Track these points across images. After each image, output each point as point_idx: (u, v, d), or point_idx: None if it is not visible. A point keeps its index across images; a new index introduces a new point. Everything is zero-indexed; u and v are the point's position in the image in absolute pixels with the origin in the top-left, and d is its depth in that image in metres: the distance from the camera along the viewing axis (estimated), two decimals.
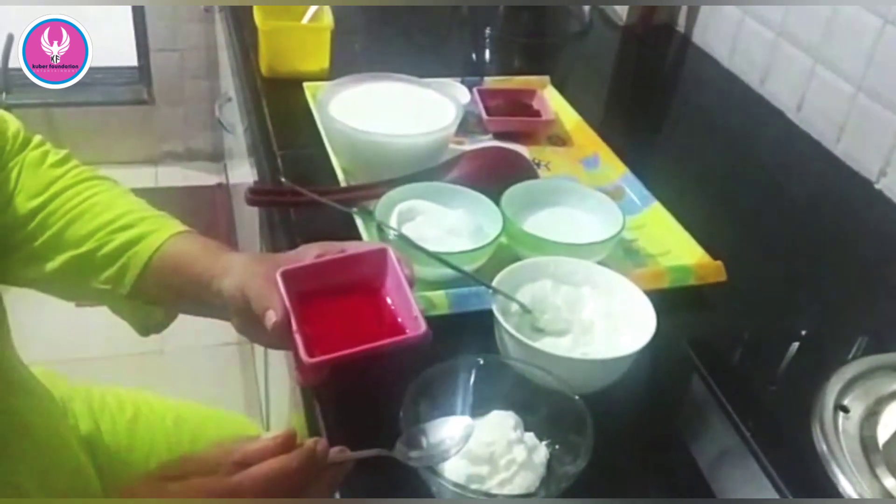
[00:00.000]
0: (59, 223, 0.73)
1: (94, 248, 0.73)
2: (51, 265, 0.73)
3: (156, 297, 0.75)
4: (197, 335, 1.97)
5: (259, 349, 1.66)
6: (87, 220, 0.74)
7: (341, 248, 0.68)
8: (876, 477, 0.59)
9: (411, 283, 0.66)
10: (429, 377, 0.63)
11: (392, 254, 0.67)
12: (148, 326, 0.78)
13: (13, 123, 0.77)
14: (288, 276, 0.63)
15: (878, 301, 0.91)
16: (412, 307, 0.64)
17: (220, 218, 2.43)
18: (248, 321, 0.67)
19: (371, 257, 0.67)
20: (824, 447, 0.59)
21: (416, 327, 0.62)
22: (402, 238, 0.78)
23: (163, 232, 0.73)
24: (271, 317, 0.62)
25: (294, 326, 0.61)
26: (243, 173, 1.57)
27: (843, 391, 0.64)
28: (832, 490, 0.58)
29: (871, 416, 0.63)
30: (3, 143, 0.75)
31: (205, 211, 2.49)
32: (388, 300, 0.67)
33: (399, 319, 0.66)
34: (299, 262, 0.66)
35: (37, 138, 0.79)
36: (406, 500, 0.63)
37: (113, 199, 0.76)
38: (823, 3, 1.15)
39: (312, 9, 1.18)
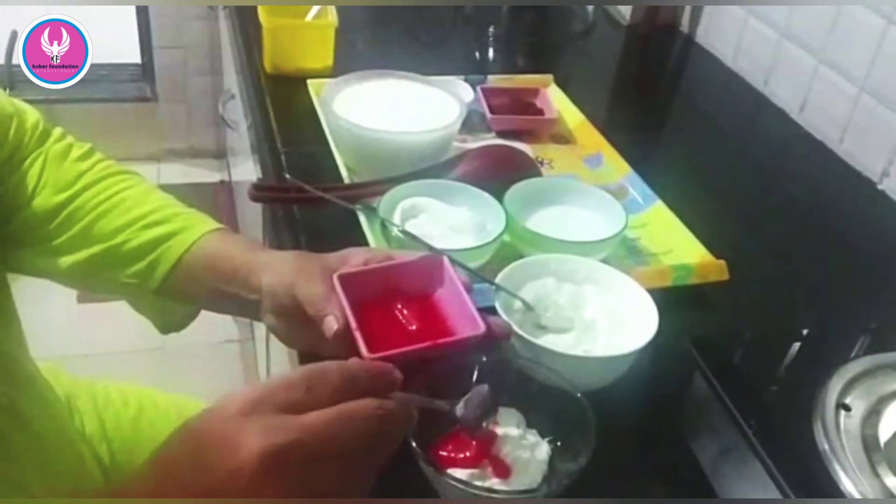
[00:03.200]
0: (87, 217, 0.73)
1: (124, 242, 0.72)
2: (76, 258, 0.73)
3: (184, 293, 0.74)
4: (199, 332, 1.97)
5: (261, 347, 1.66)
6: (116, 214, 0.73)
7: (388, 255, 0.66)
8: (877, 476, 0.59)
9: (469, 288, 0.65)
10: (432, 374, 0.63)
11: (447, 261, 0.66)
12: (169, 324, 0.78)
13: (32, 114, 0.76)
14: (345, 281, 0.62)
15: (879, 300, 0.91)
16: (470, 310, 0.63)
17: (222, 215, 2.43)
18: (288, 320, 0.65)
19: (426, 264, 0.66)
20: (826, 446, 0.60)
21: (476, 327, 0.61)
22: (406, 235, 0.79)
23: (197, 228, 0.73)
24: (332, 322, 0.60)
25: (354, 325, 0.59)
26: (246, 170, 1.57)
27: (845, 390, 0.64)
28: (833, 489, 0.58)
29: (873, 414, 0.63)
30: (22, 135, 0.74)
31: (207, 208, 2.46)
32: (444, 305, 0.66)
33: (457, 321, 0.65)
34: (357, 267, 0.65)
35: (57, 130, 0.78)
36: (406, 500, 0.63)
37: (143, 195, 0.76)
38: (826, 3, 1.15)
39: (316, 7, 1.18)
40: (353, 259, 0.66)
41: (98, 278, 0.74)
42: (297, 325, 0.64)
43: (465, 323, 0.63)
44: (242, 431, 0.45)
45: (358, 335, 0.59)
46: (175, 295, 0.74)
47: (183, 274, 0.72)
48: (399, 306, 0.65)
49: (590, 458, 0.58)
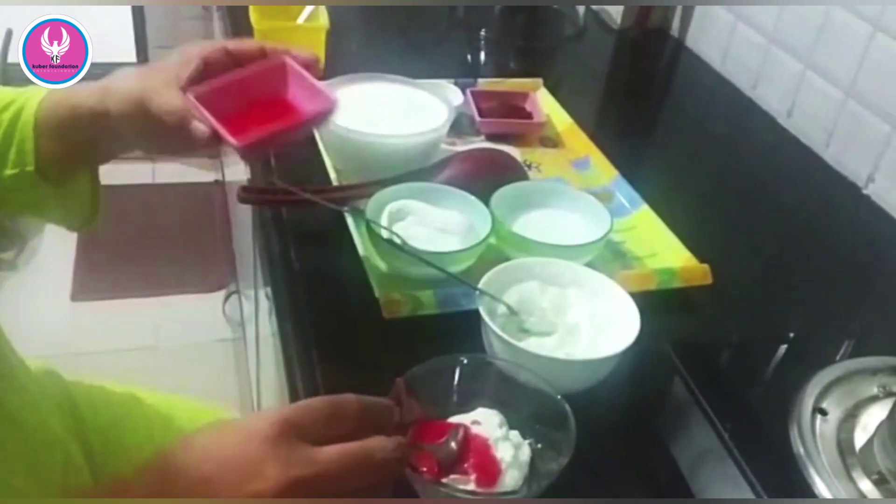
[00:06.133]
0: None
1: None
2: None
3: (61, 159, 0.75)
4: (191, 331, 1.99)
5: (252, 346, 1.66)
6: None
7: (222, 46, 0.72)
8: (852, 480, 0.60)
9: (312, 64, 0.72)
10: (414, 375, 0.64)
11: (290, 62, 0.72)
12: (76, 216, 0.80)
13: None
14: (200, 98, 0.67)
15: (862, 305, 0.92)
16: (319, 91, 0.70)
17: (216, 214, 2.44)
18: (149, 136, 0.71)
19: (271, 69, 0.72)
20: (801, 450, 0.60)
21: (327, 101, 0.70)
22: (393, 237, 0.79)
23: (38, 94, 0.74)
24: (199, 126, 0.66)
25: (215, 123, 0.66)
26: (239, 171, 1.57)
27: (822, 394, 0.65)
28: (808, 492, 0.58)
29: (849, 419, 0.64)
30: None
31: (202, 207, 2.49)
32: (295, 95, 0.73)
33: (310, 103, 0.72)
34: (208, 84, 0.69)
35: None
36: (394, 500, 0.63)
37: None
38: (814, 3, 1.16)
39: (308, 9, 1.19)
40: (190, 58, 0.70)
41: None
42: (158, 137, 0.71)
43: (318, 100, 0.71)
44: (268, 460, 0.49)
45: (222, 129, 0.66)
46: (58, 169, 0.75)
47: (46, 138, 0.73)
48: (256, 106, 0.71)
49: (570, 459, 0.59)
